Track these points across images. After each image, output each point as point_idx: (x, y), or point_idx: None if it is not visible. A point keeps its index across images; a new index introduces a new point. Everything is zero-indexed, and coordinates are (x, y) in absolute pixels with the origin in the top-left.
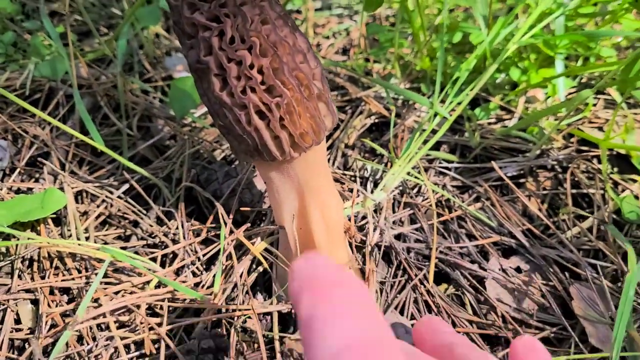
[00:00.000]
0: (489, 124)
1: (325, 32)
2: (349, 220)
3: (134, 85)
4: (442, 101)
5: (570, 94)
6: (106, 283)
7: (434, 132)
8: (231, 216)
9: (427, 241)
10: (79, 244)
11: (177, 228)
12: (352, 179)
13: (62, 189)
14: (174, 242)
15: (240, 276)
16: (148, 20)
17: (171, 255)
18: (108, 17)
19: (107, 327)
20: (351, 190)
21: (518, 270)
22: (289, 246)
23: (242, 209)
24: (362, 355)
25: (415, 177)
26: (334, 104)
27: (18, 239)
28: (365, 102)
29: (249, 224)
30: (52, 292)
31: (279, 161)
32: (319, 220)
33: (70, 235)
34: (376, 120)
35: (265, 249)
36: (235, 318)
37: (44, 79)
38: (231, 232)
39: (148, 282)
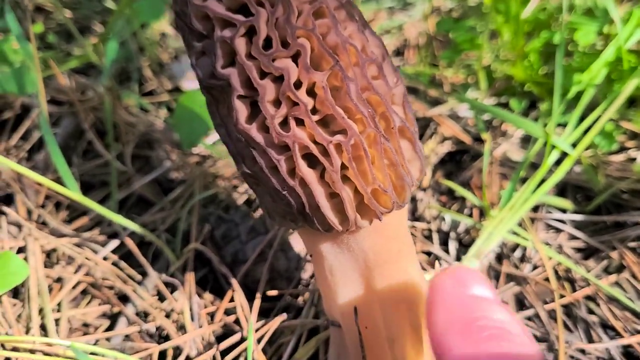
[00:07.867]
0: (608, 153)
1: (374, 29)
2: None
3: (130, 101)
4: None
5: None
6: None
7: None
8: (258, 296)
9: (549, 338)
10: (39, 341)
11: (182, 305)
12: (426, 234)
13: (25, 248)
14: (179, 328)
15: None
16: (149, 14)
17: (173, 353)
18: (105, 11)
19: None
20: (428, 254)
21: None
22: (344, 352)
23: (269, 293)
24: None
25: (516, 234)
26: (420, 141)
27: None
28: (437, 124)
29: (284, 315)
30: None
31: (336, 232)
32: (400, 317)
33: (31, 319)
34: (451, 149)
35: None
36: None
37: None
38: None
39: None
